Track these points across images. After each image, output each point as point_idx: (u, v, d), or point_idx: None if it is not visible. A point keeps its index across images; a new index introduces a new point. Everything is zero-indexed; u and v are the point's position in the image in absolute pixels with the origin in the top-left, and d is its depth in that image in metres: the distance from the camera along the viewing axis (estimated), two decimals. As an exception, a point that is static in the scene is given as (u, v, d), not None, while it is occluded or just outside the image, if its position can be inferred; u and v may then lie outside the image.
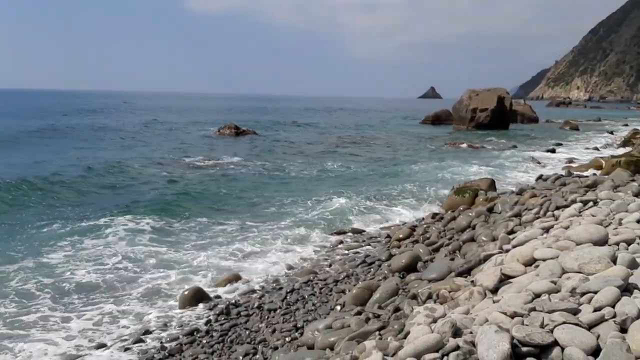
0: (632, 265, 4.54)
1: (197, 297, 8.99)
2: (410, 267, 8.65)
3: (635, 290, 4.02)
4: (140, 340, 7.59)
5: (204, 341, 7.44)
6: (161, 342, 7.49)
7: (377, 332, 5.11)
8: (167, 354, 7.17)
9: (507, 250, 6.61)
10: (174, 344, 7.44)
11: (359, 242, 12.56)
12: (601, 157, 25.32)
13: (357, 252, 11.55)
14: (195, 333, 7.76)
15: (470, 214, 11.86)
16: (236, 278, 10.15)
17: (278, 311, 8.14)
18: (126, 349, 7.28)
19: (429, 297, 5.70)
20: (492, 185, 17.07)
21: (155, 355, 7.11)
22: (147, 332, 7.89)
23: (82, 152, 27.93)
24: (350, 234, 13.37)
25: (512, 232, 8.80)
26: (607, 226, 6.52)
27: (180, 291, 9.22)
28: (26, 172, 19.84)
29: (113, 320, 8.32)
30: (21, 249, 11.41)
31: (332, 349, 5.24)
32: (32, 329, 7.95)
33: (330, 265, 10.79)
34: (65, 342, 7.55)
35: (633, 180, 14.43)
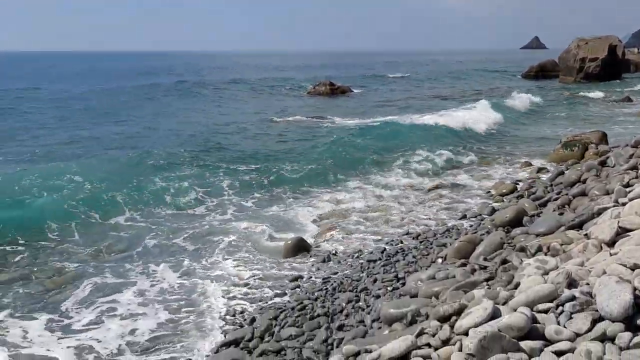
0: None
1: (299, 247, 9.29)
2: (515, 222, 8.37)
3: None
4: (246, 285, 8.02)
5: (307, 287, 7.71)
6: (268, 287, 7.88)
7: (484, 283, 5.04)
8: (273, 296, 7.55)
9: (624, 204, 6.23)
10: (279, 288, 7.81)
11: (458, 195, 12.33)
12: None
13: (457, 206, 11.37)
14: (298, 280, 8.07)
15: (579, 168, 11.24)
16: (334, 229, 10.36)
17: (378, 262, 8.23)
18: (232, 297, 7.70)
19: (539, 249, 5.51)
20: (603, 138, 16.02)
21: (263, 297, 7.55)
22: (254, 276, 8.31)
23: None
24: (448, 187, 13.14)
25: (628, 185, 8.25)
26: None
27: (283, 242, 9.54)
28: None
29: (220, 265, 8.83)
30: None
31: (437, 297, 5.24)
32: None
33: (428, 219, 10.72)
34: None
35: None
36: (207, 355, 6.13)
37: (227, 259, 9.12)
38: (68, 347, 6.48)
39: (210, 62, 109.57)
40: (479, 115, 23.28)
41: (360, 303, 6.70)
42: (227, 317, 7.08)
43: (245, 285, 8.04)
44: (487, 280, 5.13)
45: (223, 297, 7.69)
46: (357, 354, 3.79)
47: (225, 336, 6.52)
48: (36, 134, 21.68)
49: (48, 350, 6.43)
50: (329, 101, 35.46)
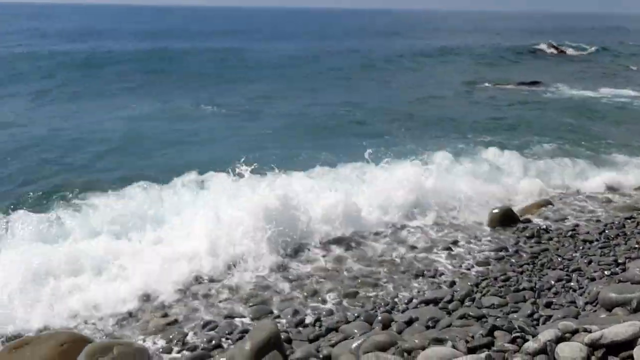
0: None
1: (507, 218, 8.98)
2: None
3: None
4: (449, 249, 8.05)
5: (513, 260, 7.48)
6: (470, 254, 7.83)
7: None
8: (474, 264, 7.49)
9: None
10: (481, 257, 7.70)
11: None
12: None
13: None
14: (503, 251, 7.86)
15: None
16: (546, 204, 9.79)
17: (595, 243, 7.64)
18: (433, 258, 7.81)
19: None
20: None
21: (464, 262, 7.57)
22: (455, 242, 8.29)
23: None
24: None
25: None
26: None
27: (489, 210, 9.28)
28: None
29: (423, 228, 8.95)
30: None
31: (668, 289, 4.72)
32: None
33: (658, 205, 9.57)
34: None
35: None
36: (405, 309, 6.31)
37: (428, 221, 9.18)
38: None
39: (417, 23, 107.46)
40: None
41: (572, 283, 6.32)
42: (426, 276, 7.20)
43: (447, 249, 8.06)
44: None
45: (418, 255, 7.85)
46: (575, 332, 3.62)
47: (424, 294, 6.64)
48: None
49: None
50: (549, 66, 32.90)
